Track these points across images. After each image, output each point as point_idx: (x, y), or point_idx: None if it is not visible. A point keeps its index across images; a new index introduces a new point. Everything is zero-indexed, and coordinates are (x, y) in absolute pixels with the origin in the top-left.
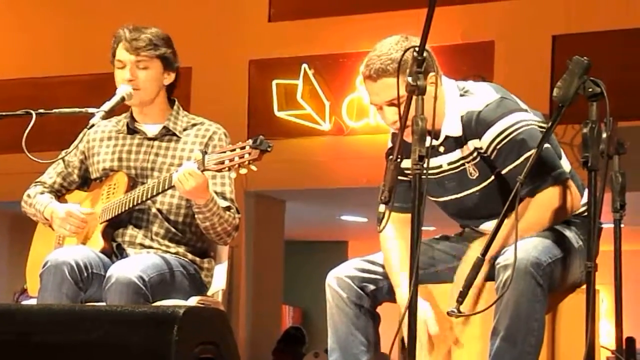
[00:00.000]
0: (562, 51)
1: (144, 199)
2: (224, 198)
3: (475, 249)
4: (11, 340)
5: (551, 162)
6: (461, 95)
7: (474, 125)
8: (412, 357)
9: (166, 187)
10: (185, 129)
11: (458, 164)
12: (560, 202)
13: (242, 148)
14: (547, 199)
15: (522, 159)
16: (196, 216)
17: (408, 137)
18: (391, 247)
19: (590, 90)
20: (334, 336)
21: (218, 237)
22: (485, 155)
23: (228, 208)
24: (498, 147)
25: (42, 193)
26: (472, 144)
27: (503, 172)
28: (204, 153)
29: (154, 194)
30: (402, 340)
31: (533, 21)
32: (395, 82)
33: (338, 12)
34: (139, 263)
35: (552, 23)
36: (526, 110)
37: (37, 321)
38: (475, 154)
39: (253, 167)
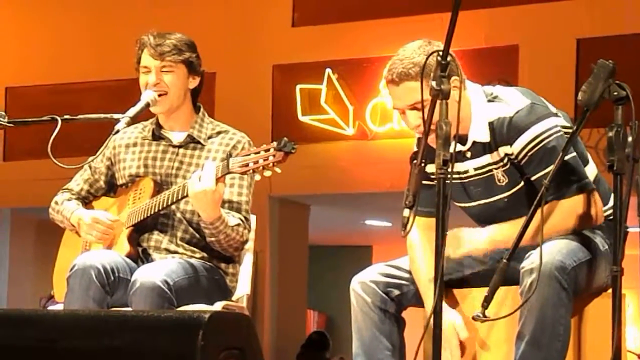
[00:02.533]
0: (586, 55)
1: (168, 203)
2: (239, 210)
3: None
4: (37, 346)
5: (578, 171)
6: (489, 101)
7: (506, 132)
8: None
9: (186, 194)
10: (210, 137)
11: (485, 169)
12: (584, 211)
13: (267, 150)
14: (571, 206)
15: (552, 166)
16: (202, 230)
17: (433, 142)
18: (418, 255)
19: (615, 93)
20: (358, 341)
21: (224, 250)
22: (515, 161)
23: (238, 225)
24: (529, 153)
25: (69, 200)
26: (503, 150)
27: (532, 178)
28: (229, 156)
29: (178, 198)
30: None
31: (557, 25)
32: (417, 86)
33: (361, 17)
34: (163, 267)
35: (576, 26)
36: (556, 114)
37: (63, 327)
38: (505, 160)
39: (277, 170)
